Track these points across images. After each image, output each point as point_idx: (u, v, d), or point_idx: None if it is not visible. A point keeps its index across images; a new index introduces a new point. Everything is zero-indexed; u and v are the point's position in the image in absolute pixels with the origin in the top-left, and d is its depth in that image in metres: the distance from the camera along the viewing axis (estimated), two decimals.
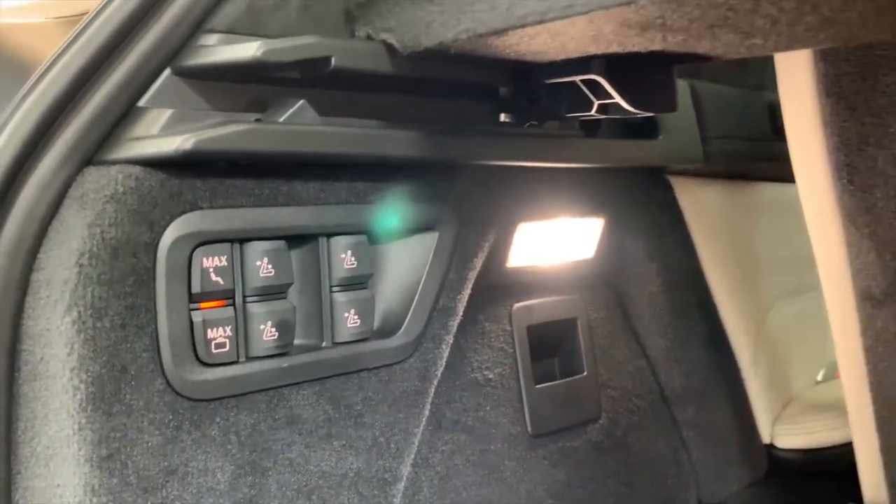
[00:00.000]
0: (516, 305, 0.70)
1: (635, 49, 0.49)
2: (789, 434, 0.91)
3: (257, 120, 0.51)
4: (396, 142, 0.56)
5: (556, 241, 0.72)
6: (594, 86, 0.56)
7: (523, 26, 0.42)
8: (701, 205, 0.84)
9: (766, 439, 0.90)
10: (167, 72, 0.49)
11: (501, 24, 0.44)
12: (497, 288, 0.68)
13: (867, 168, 0.61)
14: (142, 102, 0.49)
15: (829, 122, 0.61)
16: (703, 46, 0.46)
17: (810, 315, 0.94)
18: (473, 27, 0.45)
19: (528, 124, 0.66)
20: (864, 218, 0.63)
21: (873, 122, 0.59)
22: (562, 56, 0.53)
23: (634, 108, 0.56)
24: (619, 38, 0.45)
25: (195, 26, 0.50)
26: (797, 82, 0.62)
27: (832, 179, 0.63)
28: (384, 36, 0.53)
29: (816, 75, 0.61)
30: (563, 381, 0.73)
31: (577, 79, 0.56)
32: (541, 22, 0.41)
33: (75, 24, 0.54)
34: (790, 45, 0.55)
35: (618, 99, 0.55)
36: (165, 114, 0.48)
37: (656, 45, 0.46)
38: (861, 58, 0.58)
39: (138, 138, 0.47)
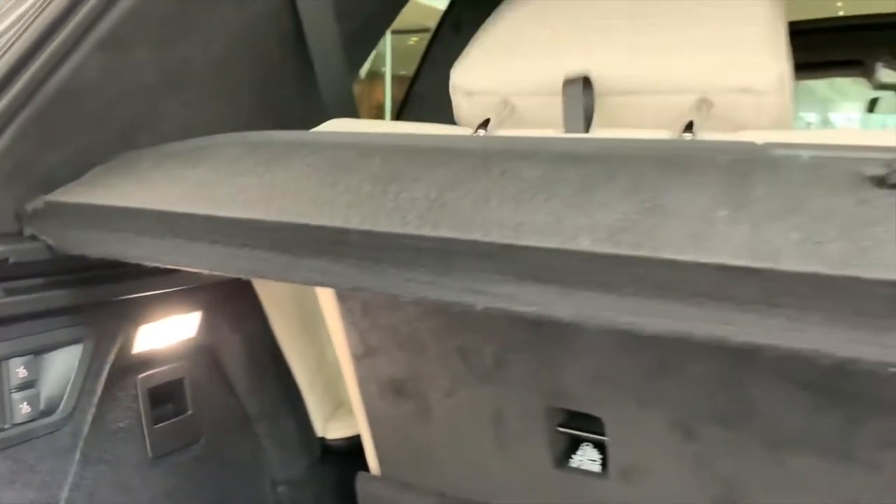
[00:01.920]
0: (140, 376, 1.07)
1: None
2: (336, 428, 1.40)
3: None
4: (53, 297, 0.90)
5: (167, 330, 1.10)
6: None
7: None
8: (274, 290, 1.28)
9: (320, 434, 1.39)
10: None
11: (121, 256, 0.81)
12: (127, 367, 1.05)
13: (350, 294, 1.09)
14: None
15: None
16: None
17: None
18: (107, 254, 0.82)
19: None
20: (347, 314, 1.11)
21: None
22: None
23: None
24: None
25: None
26: None
27: (336, 299, 1.10)
28: (44, 238, 0.86)
29: None
30: (174, 419, 1.12)
31: None
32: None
33: None
34: None
35: None
36: None
37: None
38: None
39: None
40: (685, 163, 0.64)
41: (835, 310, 0.50)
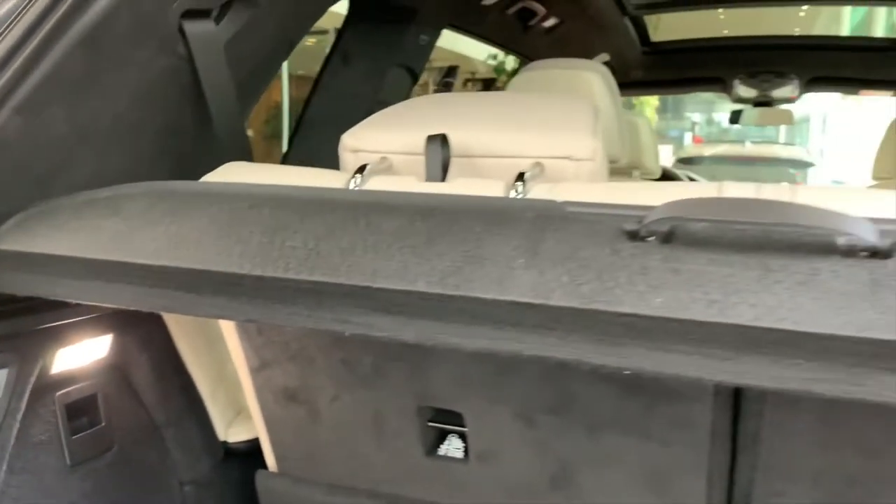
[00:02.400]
0: (58, 393, 1.20)
1: None
2: (236, 433, 1.55)
3: None
4: None
5: (82, 352, 1.24)
6: None
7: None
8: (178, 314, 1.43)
9: (222, 438, 1.54)
10: None
11: (47, 295, 0.95)
12: (47, 386, 1.18)
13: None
14: None
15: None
16: None
17: None
18: (34, 293, 0.96)
19: None
20: (244, 334, 1.28)
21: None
22: None
23: None
24: None
25: None
26: None
27: (237, 329, 1.26)
28: None
29: None
30: (89, 431, 1.25)
31: None
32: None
33: None
34: None
35: None
36: None
37: None
38: None
39: None
40: (502, 218, 0.85)
41: (587, 332, 0.71)
